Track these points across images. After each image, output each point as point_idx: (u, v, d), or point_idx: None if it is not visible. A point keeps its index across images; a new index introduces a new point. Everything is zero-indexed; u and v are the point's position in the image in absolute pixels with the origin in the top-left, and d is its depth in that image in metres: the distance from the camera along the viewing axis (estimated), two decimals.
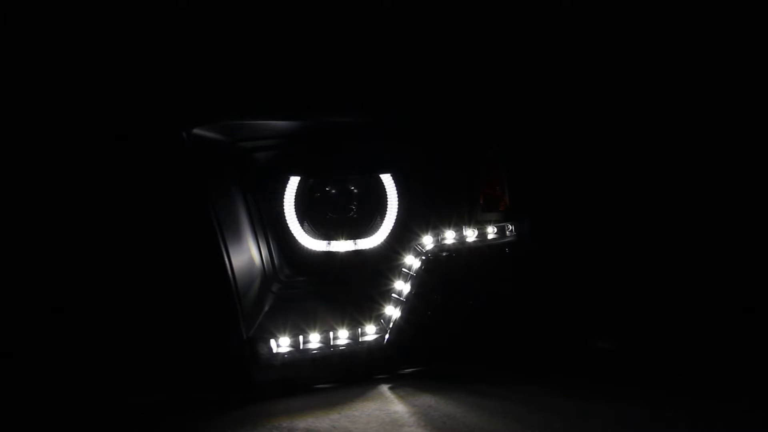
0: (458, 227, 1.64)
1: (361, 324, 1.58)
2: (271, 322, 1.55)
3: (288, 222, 1.70)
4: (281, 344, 1.53)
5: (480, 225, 1.66)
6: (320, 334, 1.55)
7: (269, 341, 1.51)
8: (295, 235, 1.71)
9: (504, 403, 1.42)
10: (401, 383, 1.54)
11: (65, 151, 1.47)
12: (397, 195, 1.71)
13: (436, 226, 1.64)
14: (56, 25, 1.50)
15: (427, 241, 1.63)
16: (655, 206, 1.79)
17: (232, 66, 1.54)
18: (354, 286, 1.68)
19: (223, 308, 1.47)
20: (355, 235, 1.71)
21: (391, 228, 1.71)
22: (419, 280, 1.60)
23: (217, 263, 1.45)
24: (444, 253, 1.62)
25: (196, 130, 1.45)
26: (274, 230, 1.69)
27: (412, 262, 1.62)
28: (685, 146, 1.78)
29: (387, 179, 1.71)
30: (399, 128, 1.70)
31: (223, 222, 1.48)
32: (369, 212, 1.72)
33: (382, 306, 1.60)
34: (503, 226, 1.68)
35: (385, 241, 1.71)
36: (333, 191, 1.72)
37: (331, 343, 1.55)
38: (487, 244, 1.66)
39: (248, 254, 1.60)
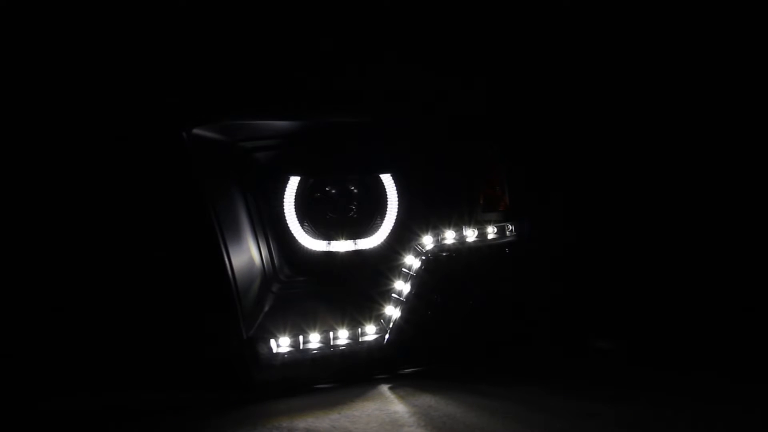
0: (458, 227, 1.64)
1: (361, 324, 1.58)
2: (271, 322, 1.55)
3: (288, 222, 1.70)
4: (281, 344, 1.53)
5: (480, 225, 1.66)
6: (320, 334, 1.55)
7: (269, 341, 1.51)
8: (295, 235, 1.71)
9: (504, 403, 1.42)
10: (401, 383, 1.54)
11: (65, 151, 1.47)
12: (397, 195, 1.71)
13: (436, 226, 1.64)
14: (56, 25, 1.50)
15: (427, 241, 1.63)
16: (654, 206, 1.79)
17: (232, 66, 1.54)
18: (354, 286, 1.68)
19: (223, 308, 1.47)
20: (355, 235, 1.71)
21: (391, 228, 1.71)
22: (419, 280, 1.60)
23: (218, 263, 1.45)
24: (444, 253, 1.62)
25: (196, 130, 1.46)
26: (274, 230, 1.70)
27: (412, 262, 1.62)
28: (684, 147, 1.78)
29: (387, 179, 1.71)
30: (399, 128, 1.70)
31: (223, 222, 1.48)
32: (369, 212, 1.72)
33: (382, 306, 1.60)
34: (503, 226, 1.68)
35: (385, 241, 1.71)
36: (333, 191, 1.72)
37: (331, 343, 1.55)
38: (487, 244, 1.66)
39: (248, 254, 1.60)
